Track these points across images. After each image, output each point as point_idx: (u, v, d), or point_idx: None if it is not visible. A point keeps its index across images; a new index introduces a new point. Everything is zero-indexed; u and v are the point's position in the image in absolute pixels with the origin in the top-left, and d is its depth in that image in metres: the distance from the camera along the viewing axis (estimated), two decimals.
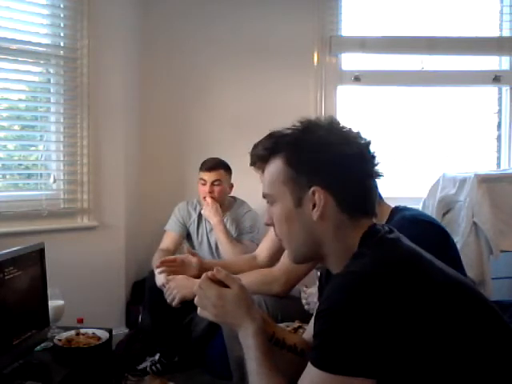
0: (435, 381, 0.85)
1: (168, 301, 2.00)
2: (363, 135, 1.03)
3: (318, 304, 1.02)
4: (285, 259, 1.90)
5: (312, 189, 0.99)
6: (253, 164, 2.26)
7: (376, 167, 1.02)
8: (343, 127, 1.04)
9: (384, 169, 1.03)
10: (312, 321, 1.16)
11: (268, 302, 1.82)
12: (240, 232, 2.81)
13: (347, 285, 0.87)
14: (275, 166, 1.04)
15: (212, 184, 2.75)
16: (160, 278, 2.48)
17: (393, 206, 1.60)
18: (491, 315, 0.93)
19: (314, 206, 0.99)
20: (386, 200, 1.62)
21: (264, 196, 1.08)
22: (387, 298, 0.83)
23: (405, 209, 1.60)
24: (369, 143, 1.02)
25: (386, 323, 0.82)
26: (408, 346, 0.83)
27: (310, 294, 1.78)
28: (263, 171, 1.08)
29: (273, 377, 0.98)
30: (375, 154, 1.02)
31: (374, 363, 0.82)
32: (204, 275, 1.10)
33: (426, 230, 1.45)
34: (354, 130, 1.03)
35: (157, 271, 1.98)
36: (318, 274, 2.06)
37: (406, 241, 1.00)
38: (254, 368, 0.99)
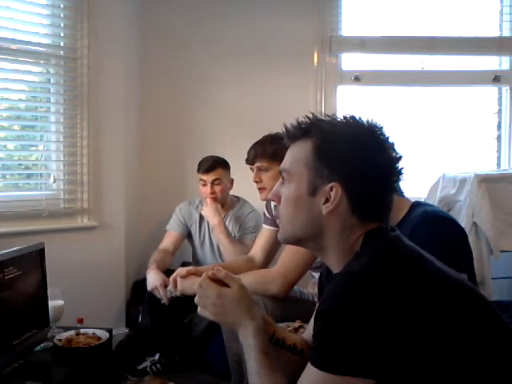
0: (435, 380, 0.85)
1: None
2: (397, 148, 1.02)
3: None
4: (283, 260, 1.89)
5: (331, 184, 0.97)
6: (250, 161, 2.21)
7: (398, 183, 1.02)
8: (382, 134, 1.01)
9: (405, 187, 1.02)
10: (312, 321, 1.16)
11: (267, 303, 1.80)
12: (243, 232, 2.80)
13: (347, 285, 0.87)
14: (303, 147, 1.02)
15: (212, 184, 2.75)
16: (151, 282, 2.46)
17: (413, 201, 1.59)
18: (491, 315, 0.93)
19: (327, 200, 0.98)
20: None
21: (281, 171, 1.06)
22: (387, 297, 0.83)
23: (426, 204, 1.59)
24: (400, 158, 1.01)
25: (386, 323, 0.82)
26: (408, 346, 0.83)
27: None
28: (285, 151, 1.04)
29: (273, 377, 0.98)
30: (402, 171, 1.01)
31: (373, 363, 0.82)
32: (204, 274, 1.10)
33: (447, 227, 1.44)
34: (391, 140, 1.02)
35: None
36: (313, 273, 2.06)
37: (406, 240, 1.00)
38: (253, 368, 0.99)
